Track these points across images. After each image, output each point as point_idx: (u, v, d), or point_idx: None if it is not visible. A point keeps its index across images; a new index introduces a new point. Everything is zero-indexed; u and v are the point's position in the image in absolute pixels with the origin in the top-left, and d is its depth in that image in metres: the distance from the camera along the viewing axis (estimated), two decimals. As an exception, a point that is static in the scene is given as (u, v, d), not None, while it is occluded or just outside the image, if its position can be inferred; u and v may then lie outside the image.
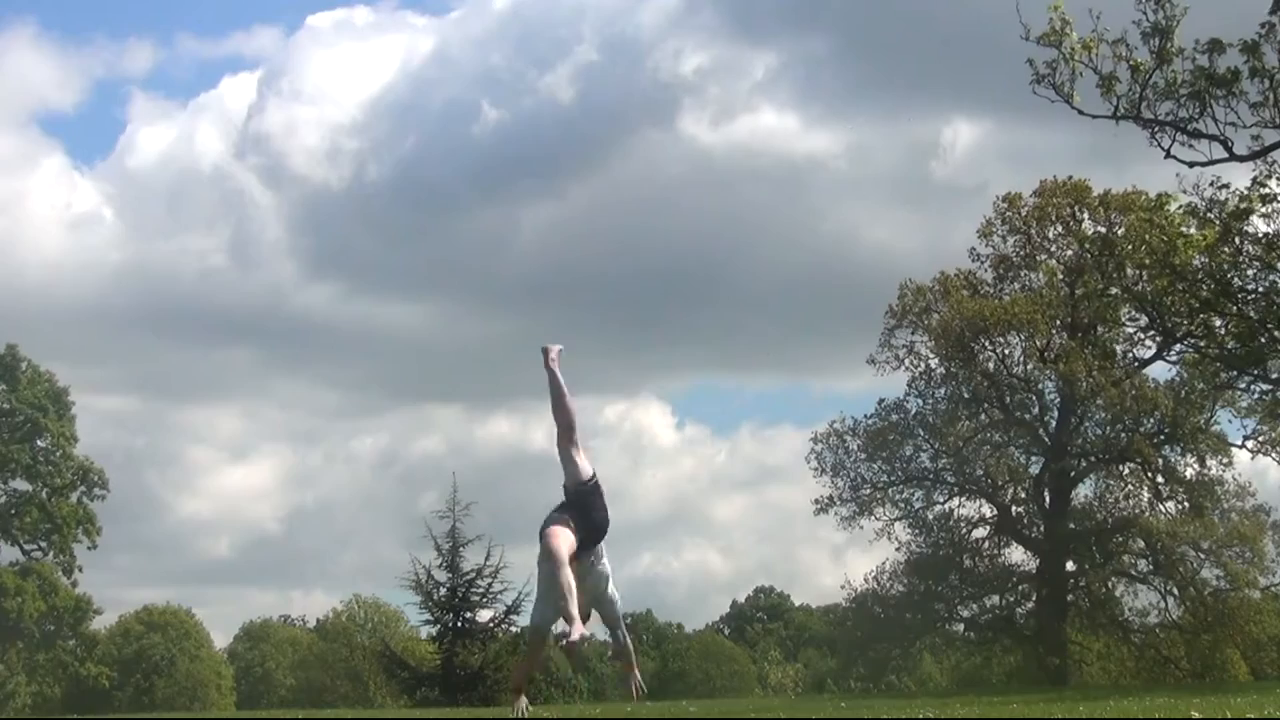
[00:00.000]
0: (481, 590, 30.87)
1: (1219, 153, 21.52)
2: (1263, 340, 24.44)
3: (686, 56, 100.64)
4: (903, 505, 41.91)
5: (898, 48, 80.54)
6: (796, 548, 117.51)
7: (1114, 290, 32.59)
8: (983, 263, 40.96)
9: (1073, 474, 40.97)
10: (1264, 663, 38.51)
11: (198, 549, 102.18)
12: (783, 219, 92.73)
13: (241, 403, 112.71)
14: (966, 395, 41.33)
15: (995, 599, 42.13)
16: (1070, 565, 40.98)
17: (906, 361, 41.06)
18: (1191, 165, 21.69)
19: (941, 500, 42.10)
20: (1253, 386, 29.62)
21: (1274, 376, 27.68)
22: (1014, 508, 41.39)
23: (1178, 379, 39.00)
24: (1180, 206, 23.46)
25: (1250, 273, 24.76)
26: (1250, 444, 39.44)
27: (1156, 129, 21.20)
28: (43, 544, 55.66)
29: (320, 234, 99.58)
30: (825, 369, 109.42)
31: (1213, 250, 23.42)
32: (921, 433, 41.78)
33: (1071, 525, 40.40)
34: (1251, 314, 24.41)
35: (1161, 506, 40.38)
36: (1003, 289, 41.07)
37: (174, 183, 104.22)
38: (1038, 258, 40.13)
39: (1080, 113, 21.07)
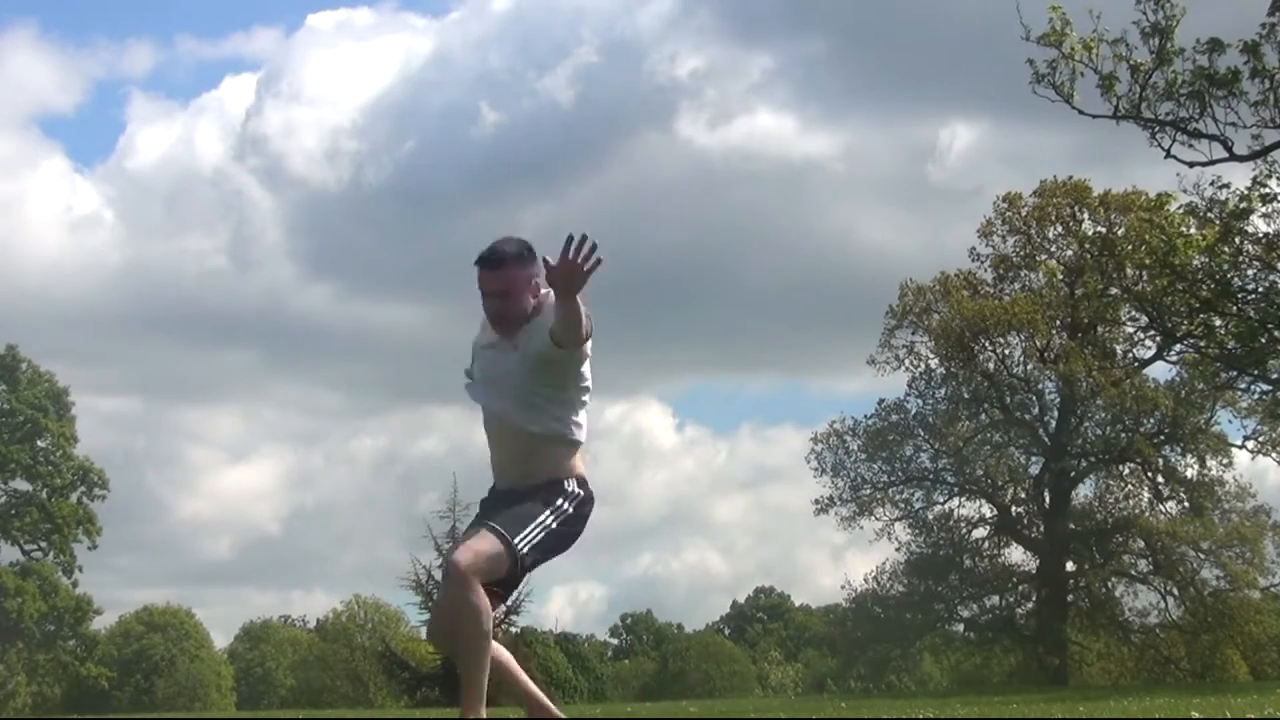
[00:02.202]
0: (481, 590, 30.87)
1: (1219, 153, 21.53)
2: (1263, 340, 24.43)
3: (683, 59, 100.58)
4: (903, 505, 42.00)
5: (895, 49, 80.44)
6: (796, 548, 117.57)
7: (1114, 290, 32.59)
8: (983, 263, 41.05)
9: (1073, 474, 41.01)
10: (1264, 663, 38.53)
11: (198, 549, 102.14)
12: (781, 220, 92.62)
13: (241, 403, 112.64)
14: (966, 395, 41.38)
15: (995, 599, 42.19)
16: (1070, 565, 41.02)
17: (906, 362, 41.14)
18: (1191, 165, 21.70)
19: (941, 500, 42.20)
20: (1253, 387, 29.60)
21: (1274, 376, 27.63)
22: (1014, 508, 41.44)
23: (1178, 379, 39.04)
24: (1180, 206, 23.47)
25: (1250, 273, 24.75)
26: (1250, 444, 39.49)
27: (1156, 129, 21.21)
28: (43, 544, 55.66)
29: (319, 235, 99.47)
30: (824, 369, 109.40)
31: (1213, 250, 23.41)
32: (921, 433, 41.83)
33: (1071, 525, 40.43)
34: (1251, 314, 24.40)
35: (1161, 507, 40.44)
36: (1003, 289, 41.11)
37: (174, 184, 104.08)
38: (1038, 258, 40.15)
39: (1080, 113, 21.11)
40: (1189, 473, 40.44)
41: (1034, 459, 41.69)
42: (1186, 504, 39.97)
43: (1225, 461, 40.23)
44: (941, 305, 40.51)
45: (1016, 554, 41.97)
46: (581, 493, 5.34)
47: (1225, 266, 24.15)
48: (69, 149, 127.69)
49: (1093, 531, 40.39)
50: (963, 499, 42.03)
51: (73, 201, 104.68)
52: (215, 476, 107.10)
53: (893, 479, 41.74)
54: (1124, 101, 21.04)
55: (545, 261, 4.92)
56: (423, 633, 36.60)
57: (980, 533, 41.95)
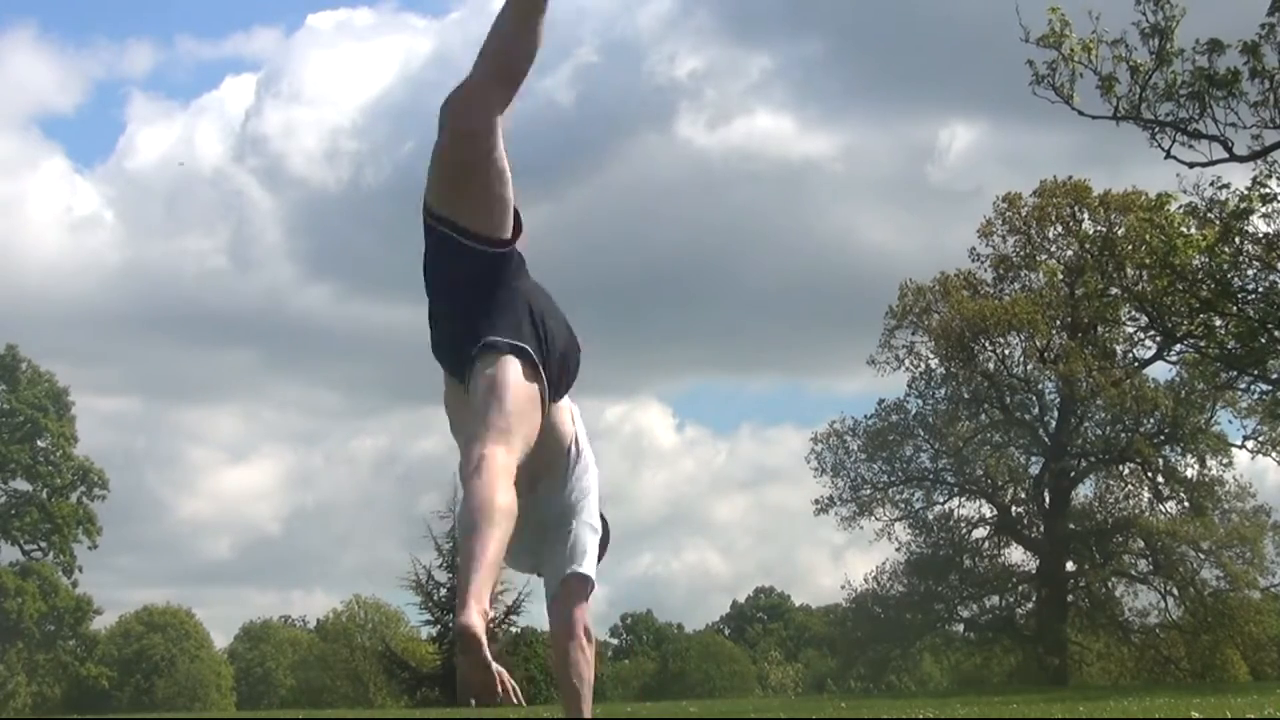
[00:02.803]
0: (481, 590, 30.85)
1: (1219, 153, 21.59)
2: (1263, 340, 24.46)
3: (682, 59, 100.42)
4: (903, 505, 42.00)
5: (894, 50, 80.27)
6: (796, 548, 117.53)
7: (1114, 290, 32.61)
8: (983, 263, 41.06)
9: (1073, 474, 41.01)
10: (1264, 663, 38.54)
11: (198, 549, 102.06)
12: (780, 221, 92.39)
13: (241, 403, 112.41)
14: (966, 395, 41.39)
15: (995, 599, 42.20)
16: (1070, 565, 41.03)
17: (906, 362, 41.15)
18: (1191, 165, 21.76)
19: (941, 500, 42.20)
20: (1253, 387, 29.63)
21: (1274, 376, 27.66)
22: (1014, 508, 41.45)
23: (1178, 379, 39.06)
24: (1180, 206, 23.51)
25: (1250, 273, 24.79)
26: (1250, 444, 39.48)
27: (1156, 129, 21.25)
28: (43, 544, 55.68)
29: (319, 235, 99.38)
30: (824, 369, 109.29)
31: (1213, 250, 23.44)
32: (921, 433, 41.84)
33: (1071, 525, 40.44)
34: (1251, 314, 24.43)
35: (1161, 507, 40.46)
36: (1003, 289, 41.12)
37: (174, 184, 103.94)
38: (1038, 258, 40.17)
39: (1080, 114, 21.13)
40: (1189, 473, 40.48)
41: (1034, 459, 41.73)
42: (1186, 504, 39.99)
43: (1225, 461, 40.28)
44: (941, 305, 40.53)
45: (1016, 554, 42.04)
46: None
47: (1225, 266, 24.17)
48: (69, 149, 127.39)
49: (1093, 531, 40.40)
50: (963, 499, 42.08)
51: (73, 202, 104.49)
52: (215, 476, 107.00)
53: (893, 479, 41.76)
54: (1124, 102, 21.08)
55: None
56: (423, 633, 36.62)
57: (980, 533, 42.02)
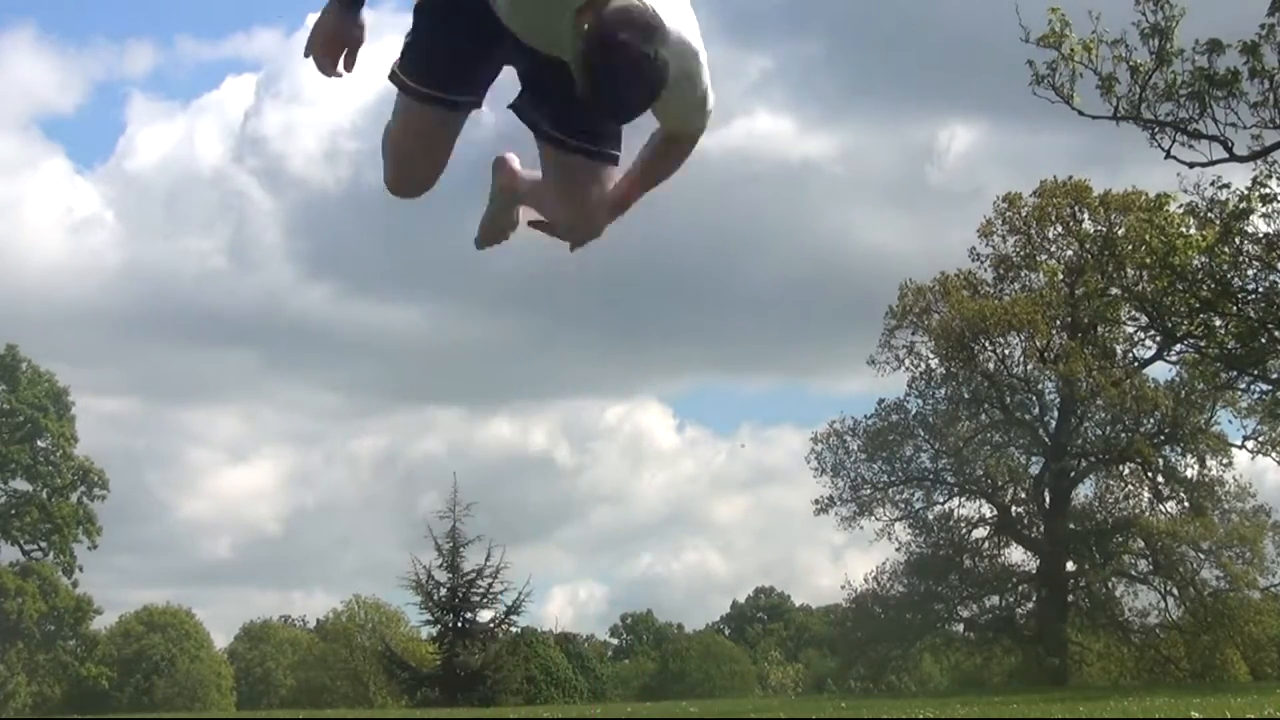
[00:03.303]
0: (482, 590, 31.03)
1: (1219, 153, 21.57)
2: (1263, 340, 24.47)
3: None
4: (903, 505, 42.05)
5: (893, 50, 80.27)
6: (796, 548, 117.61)
7: (1114, 290, 32.63)
8: (983, 263, 41.11)
9: (1073, 474, 41.04)
10: (1264, 663, 38.56)
11: (198, 549, 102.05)
12: (780, 221, 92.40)
13: (242, 404, 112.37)
14: (966, 395, 41.43)
15: (995, 599, 42.23)
16: (1070, 565, 41.06)
17: (907, 362, 41.21)
18: (1191, 165, 21.74)
19: (941, 500, 42.24)
20: (1253, 387, 29.69)
21: (1274, 376, 27.70)
22: (1014, 508, 41.47)
23: (1178, 379, 39.07)
24: (1180, 206, 23.53)
25: (1250, 273, 24.81)
26: (1250, 444, 39.56)
27: (1156, 130, 21.24)
28: (43, 544, 55.72)
29: (319, 236, 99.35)
30: (824, 369, 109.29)
31: (1213, 250, 23.45)
32: (921, 433, 41.87)
33: (1071, 525, 40.47)
34: (1251, 314, 24.44)
35: (1161, 507, 40.49)
36: (1003, 289, 41.16)
37: (174, 185, 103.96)
38: (1038, 258, 40.20)
39: (1080, 114, 21.13)
40: (1189, 473, 40.53)
41: (1034, 459, 41.76)
42: (1186, 504, 40.01)
43: (1225, 461, 40.32)
44: (941, 305, 40.57)
45: (1016, 554, 42.08)
46: None
47: (1225, 266, 24.18)
48: (69, 150, 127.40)
49: (1093, 531, 40.42)
50: (963, 499, 42.11)
51: (73, 202, 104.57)
52: (215, 477, 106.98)
53: (893, 479, 41.79)
54: (1124, 102, 21.08)
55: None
56: (423, 633, 36.62)
57: (980, 533, 42.05)
